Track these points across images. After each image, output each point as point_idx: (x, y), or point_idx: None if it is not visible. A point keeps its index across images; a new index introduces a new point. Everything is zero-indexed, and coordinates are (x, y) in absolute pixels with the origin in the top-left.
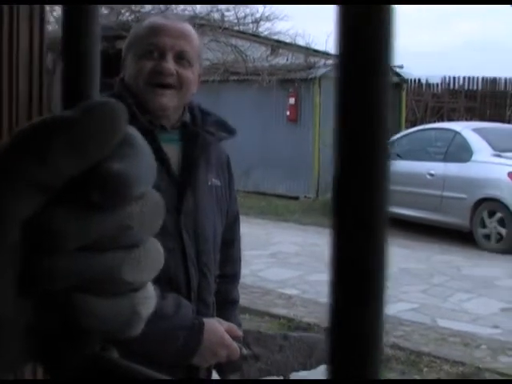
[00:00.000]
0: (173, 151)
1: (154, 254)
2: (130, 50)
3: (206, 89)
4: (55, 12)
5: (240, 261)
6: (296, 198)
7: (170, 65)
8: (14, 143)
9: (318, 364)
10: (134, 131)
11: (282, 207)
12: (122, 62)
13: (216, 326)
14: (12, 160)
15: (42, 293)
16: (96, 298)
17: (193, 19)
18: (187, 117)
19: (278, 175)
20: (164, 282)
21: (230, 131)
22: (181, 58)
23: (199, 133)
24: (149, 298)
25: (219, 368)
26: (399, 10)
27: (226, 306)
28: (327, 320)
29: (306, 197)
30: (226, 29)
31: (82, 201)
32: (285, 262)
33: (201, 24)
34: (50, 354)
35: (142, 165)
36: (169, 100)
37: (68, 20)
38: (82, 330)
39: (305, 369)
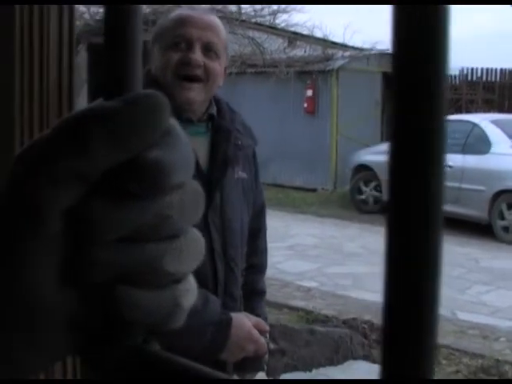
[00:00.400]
0: (199, 144)
1: (195, 244)
2: (157, 42)
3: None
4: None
5: (266, 251)
6: (314, 190)
7: (198, 56)
8: (56, 132)
9: (344, 359)
10: (173, 121)
11: (299, 199)
12: (148, 54)
13: (244, 320)
14: (53, 149)
15: (86, 284)
16: (139, 289)
17: (209, 12)
18: (214, 109)
19: (296, 167)
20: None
21: (254, 138)
22: (208, 49)
23: (230, 129)
24: (190, 290)
25: (241, 367)
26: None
27: (253, 296)
28: (380, 319)
29: (323, 189)
30: (243, 21)
31: (120, 191)
32: (303, 255)
33: (218, 16)
34: (92, 346)
35: (180, 154)
36: (196, 94)
37: (111, 12)
38: (125, 322)
39: (332, 364)
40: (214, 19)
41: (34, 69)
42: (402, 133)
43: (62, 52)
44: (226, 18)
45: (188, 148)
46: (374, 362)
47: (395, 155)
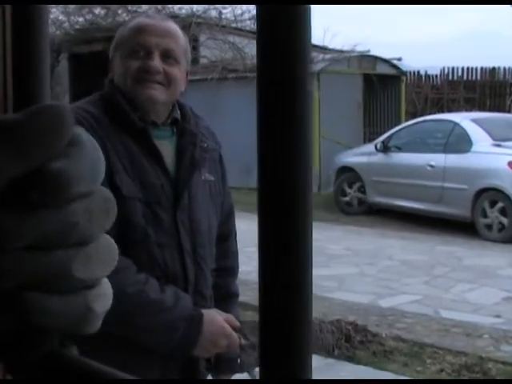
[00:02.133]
0: (165, 147)
1: (106, 251)
2: (117, 51)
3: (204, 87)
4: (52, 15)
5: (237, 254)
6: None
7: (157, 63)
8: None
9: (316, 349)
10: (80, 131)
11: None
12: (109, 63)
13: (215, 316)
14: None
15: None
16: (48, 295)
17: (190, 18)
18: (177, 114)
19: None
20: (161, 276)
21: (218, 142)
22: (167, 56)
23: (195, 132)
24: (104, 295)
25: (216, 366)
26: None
27: (226, 299)
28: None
29: None
30: (223, 26)
31: (24, 200)
32: None
33: (198, 22)
34: (8, 352)
35: (85, 163)
36: (158, 93)
37: (17, 22)
38: (37, 328)
39: None
40: (172, 26)
41: None
42: (268, 129)
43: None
44: (207, 24)
45: (95, 157)
46: (358, 363)
47: (263, 151)
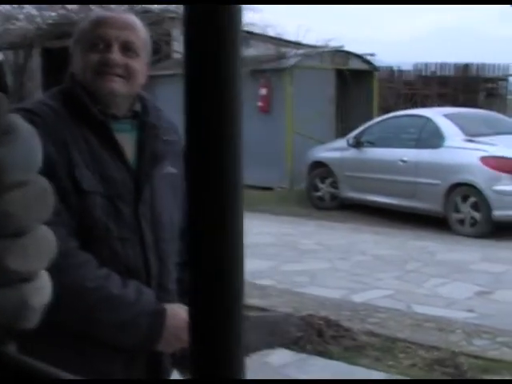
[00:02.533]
0: (126, 140)
1: (44, 242)
2: (77, 45)
3: (177, 82)
4: (25, 9)
5: None
6: (270, 189)
7: (116, 55)
8: None
9: (283, 341)
10: (15, 119)
11: (255, 198)
12: (69, 57)
13: (178, 310)
14: None
15: None
16: None
17: (164, 12)
18: (138, 106)
19: (252, 166)
20: (123, 271)
21: (179, 135)
22: (127, 48)
23: (156, 125)
24: (42, 289)
25: (181, 362)
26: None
27: None
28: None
29: (280, 187)
30: None
31: None
32: (259, 253)
33: (171, 17)
34: None
35: (20, 151)
36: (118, 85)
37: None
38: None
39: (270, 347)
40: (131, 18)
41: None
42: (196, 129)
43: None
44: (180, 19)
45: (31, 145)
46: (330, 358)
47: (191, 148)
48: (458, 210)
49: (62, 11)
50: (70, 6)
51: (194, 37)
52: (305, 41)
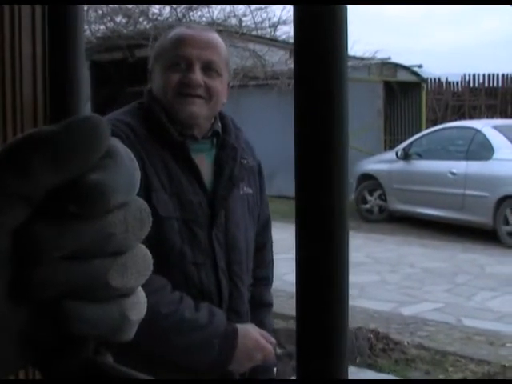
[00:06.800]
0: (203, 160)
1: (141, 260)
2: (157, 62)
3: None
4: None
5: (272, 264)
6: None
7: (198, 76)
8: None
9: (352, 356)
10: (116, 142)
11: None
12: (149, 73)
13: (250, 330)
14: None
15: (34, 300)
16: (85, 304)
17: (210, 25)
18: (218, 126)
19: None
20: (196, 294)
21: (255, 157)
22: (208, 68)
23: (236, 147)
24: (139, 304)
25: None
26: (422, 10)
27: (260, 309)
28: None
29: None
30: (243, 34)
31: (62, 211)
32: None
33: (218, 30)
34: (44, 359)
35: (121, 175)
36: (199, 109)
37: (53, 36)
38: (74, 336)
39: None
40: (214, 36)
41: (7, 85)
42: (306, 133)
43: (35, 67)
44: (227, 32)
45: (131, 168)
46: (380, 371)
47: (301, 157)
48: (507, 223)
49: (110, 24)
50: (118, 20)
51: (304, 37)
52: (352, 52)
